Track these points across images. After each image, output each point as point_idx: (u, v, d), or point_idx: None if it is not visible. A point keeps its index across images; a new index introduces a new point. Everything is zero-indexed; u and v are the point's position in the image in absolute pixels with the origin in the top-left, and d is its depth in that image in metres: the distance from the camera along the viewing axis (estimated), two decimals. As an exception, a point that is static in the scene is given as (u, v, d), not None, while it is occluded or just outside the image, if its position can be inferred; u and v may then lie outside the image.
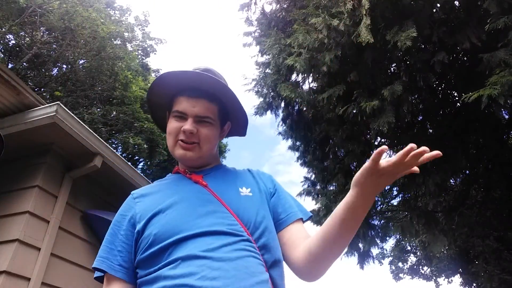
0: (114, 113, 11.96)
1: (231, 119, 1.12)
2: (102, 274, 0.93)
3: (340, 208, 0.83)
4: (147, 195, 1.00)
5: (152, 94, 1.09)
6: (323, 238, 0.86)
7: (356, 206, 0.79)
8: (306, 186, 7.18)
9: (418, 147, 0.72)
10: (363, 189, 0.77)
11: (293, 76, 5.99)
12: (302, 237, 0.96)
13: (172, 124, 1.00)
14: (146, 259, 0.87)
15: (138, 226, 0.91)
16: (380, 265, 13.21)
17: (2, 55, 11.17)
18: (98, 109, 11.67)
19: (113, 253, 0.92)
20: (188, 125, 0.97)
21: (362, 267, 6.70)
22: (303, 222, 1.03)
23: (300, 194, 7.23)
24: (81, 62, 11.74)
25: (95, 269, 0.93)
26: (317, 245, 0.87)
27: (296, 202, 1.09)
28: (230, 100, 1.06)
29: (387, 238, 7.23)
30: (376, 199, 6.77)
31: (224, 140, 21.05)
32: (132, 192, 1.04)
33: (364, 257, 6.71)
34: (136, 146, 11.13)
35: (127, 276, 0.91)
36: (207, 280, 0.76)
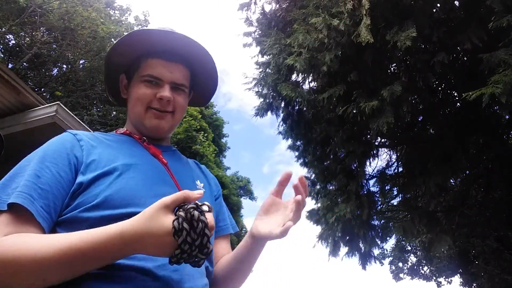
0: (114, 113, 11.97)
1: (196, 86, 1.01)
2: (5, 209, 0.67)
3: (239, 247, 0.88)
4: (93, 143, 0.83)
5: (114, 53, 0.93)
6: (228, 267, 0.90)
7: (250, 250, 0.85)
8: (306, 186, 7.17)
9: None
10: (255, 237, 0.82)
11: (293, 76, 6.00)
12: (226, 252, 0.96)
13: (143, 90, 0.88)
14: (86, 221, 0.70)
15: (82, 177, 0.74)
16: (381, 265, 13.22)
17: (2, 55, 11.18)
18: (97, 110, 11.67)
19: (44, 195, 0.69)
20: (166, 92, 0.87)
21: (364, 268, 6.69)
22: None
23: (300, 194, 7.22)
24: (81, 62, 11.74)
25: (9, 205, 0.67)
26: (225, 270, 0.91)
27: (229, 214, 1.06)
28: (204, 66, 0.96)
29: (388, 238, 7.24)
30: (376, 199, 6.77)
31: (224, 139, 21.04)
32: (71, 132, 0.86)
33: (365, 258, 6.71)
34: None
35: (48, 228, 0.69)
36: (167, 271, 0.69)
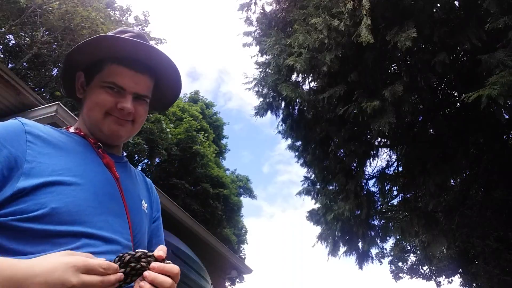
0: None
1: (156, 95, 0.97)
2: None
3: None
4: (44, 141, 0.76)
5: (78, 51, 0.88)
6: None
7: None
8: (306, 185, 7.19)
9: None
10: None
11: (294, 76, 6.00)
12: None
13: (104, 97, 0.84)
14: (23, 232, 0.65)
15: (24, 182, 0.67)
16: (380, 264, 13.23)
17: (2, 55, 11.18)
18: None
19: None
20: (129, 104, 0.84)
21: (361, 267, 6.70)
22: None
23: (299, 193, 7.24)
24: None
25: None
26: None
27: (163, 237, 1.00)
28: (169, 79, 0.95)
29: (387, 238, 7.24)
30: (376, 199, 6.77)
31: (224, 141, 21.05)
32: (20, 120, 0.78)
33: (363, 257, 6.72)
34: (135, 145, 11.13)
35: None
36: None
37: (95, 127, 0.86)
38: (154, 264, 0.64)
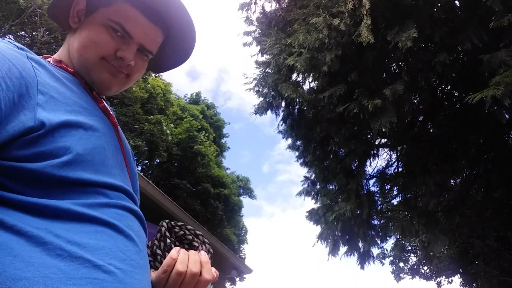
0: (114, 113, 11.97)
1: (158, 55, 0.82)
2: None
3: None
4: (48, 72, 0.62)
5: None
6: None
7: None
8: (306, 185, 7.19)
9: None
10: None
11: (294, 76, 6.00)
12: None
13: (104, 37, 0.70)
14: (55, 180, 0.54)
15: (45, 116, 0.55)
16: (382, 265, 13.22)
17: (2, 55, 11.20)
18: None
19: None
20: (130, 54, 0.72)
21: (362, 267, 6.71)
22: None
23: (300, 194, 7.24)
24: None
25: None
26: None
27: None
28: (181, 42, 0.81)
29: (388, 238, 7.24)
30: (376, 198, 6.78)
31: (223, 140, 21.02)
32: (18, 45, 0.61)
33: (364, 257, 6.72)
34: (135, 147, 11.13)
35: None
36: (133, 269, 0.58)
37: (83, 69, 0.72)
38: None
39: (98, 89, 0.74)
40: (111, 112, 0.74)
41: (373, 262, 6.81)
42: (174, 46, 0.82)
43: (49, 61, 0.71)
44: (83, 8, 0.74)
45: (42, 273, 0.46)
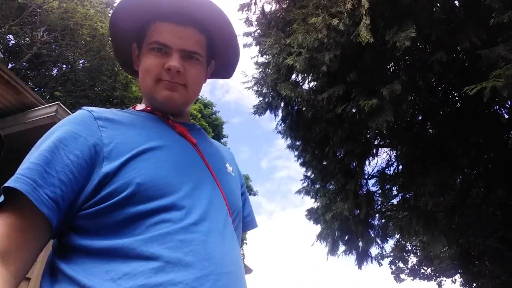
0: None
1: (217, 57, 0.88)
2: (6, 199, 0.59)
3: None
4: (115, 122, 0.71)
5: (118, 18, 0.80)
6: None
7: None
8: (305, 184, 7.19)
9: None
10: None
11: (293, 76, 6.00)
12: None
13: (151, 61, 0.76)
14: (113, 217, 0.61)
15: (108, 166, 0.63)
16: (380, 265, 13.21)
17: (2, 55, 11.19)
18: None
19: (50, 180, 0.59)
20: (174, 61, 0.74)
21: (360, 267, 6.70)
22: None
23: (299, 192, 7.24)
24: (81, 62, 11.75)
25: (8, 191, 0.58)
26: None
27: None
28: (221, 30, 0.82)
29: (388, 238, 7.23)
30: (376, 198, 6.77)
31: (223, 140, 21.00)
32: (87, 108, 0.72)
33: (362, 257, 6.72)
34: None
35: (57, 220, 0.59)
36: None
37: (151, 99, 0.79)
38: None
39: (168, 111, 0.79)
40: (190, 132, 0.79)
41: (371, 262, 6.81)
42: (221, 40, 0.84)
43: (133, 108, 0.83)
44: (137, 51, 0.83)
45: None
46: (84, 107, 0.73)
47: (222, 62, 0.90)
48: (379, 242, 6.85)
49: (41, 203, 0.57)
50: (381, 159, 7.95)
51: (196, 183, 0.69)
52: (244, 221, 0.88)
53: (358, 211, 6.14)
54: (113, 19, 0.81)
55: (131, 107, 0.85)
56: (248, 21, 6.65)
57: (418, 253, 12.89)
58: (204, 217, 0.65)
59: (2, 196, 0.59)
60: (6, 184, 0.57)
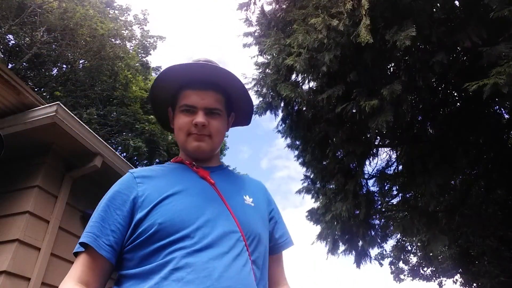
0: (115, 113, 11.95)
1: (235, 109, 1.10)
2: (83, 249, 0.85)
3: None
4: (149, 178, 0.93)
5: (156, 89, 1.06)
6: None
7: None
8: (306, 184, 7.19)
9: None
10: None
11: (293, 76, 5.99)
12: (278, 274, 1.02)
13: (182, 119, 0.98)
14: (143, 250, 0.82)
15: (140, 213, 0.85)
16: (380, 266, 13.19)
17: (2, 55, 11.18)
18: (96, 109, 11.67)
19: (105, 232, 0.84)
20: (200, 118, 0.96)
21: (358, 266, 6.70)
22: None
23: (299, 192, 7.24)
24: (80, 62, 11.74)
25: (81, 244, 0.85)
26: None
27: (287, 228, 1.09)
28: (236, 89, 1.04)
29: (388, 238, 7.23)
30: (376, 198, 6.77)
31: (223, 139, 21.04)
32: (130, 171, 0.97)
33: (361, 256, 6.71)
34: (136, 148, 11.08)
35: (114, 259, 0.85)
36: None
37: (184, 149, 1.02)
38: None
39: (199, 158, 1.01)
40: (212, 174, 0.99)
41: (370, 262, 6.80)
42: (236, 96, 1.06)
43: (172, 160, 1.06)
44: (172, 113, 1.07)
45: None
46: (130, 170, 0.98)
47: (240, 113, 1.13)
48: (379, 242, 6.85)
49: (100, 249, 0.82)
50: (381, 159, 7.93)
51: (211, 216, 0.86)
52: (278, 242, 1.03)
53: (358, 211, 6.14)
54: (153, 91, 1.06)
55: (172, 159, 1.07)
56: (247, 21, 6.65)
57: (418, 253, 12.88)
58: (211, 244, 0.81)
59: (80, 247, 0.85)
60: (80, 240, 0.85)
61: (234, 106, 1.09)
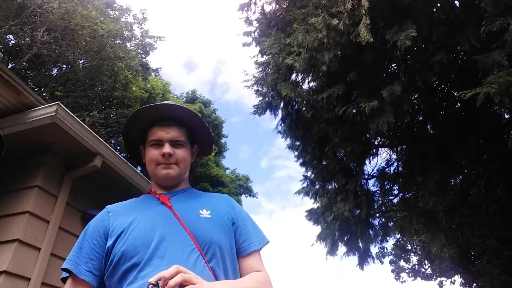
0: (115, 114, 11.96)
1: (198, 141, 1.25)
2: (68, 274, 1.00)
3: None
4: (119, 211, 1.08)
5: (128, 129, 1.21)
6: None
7: None
8: (305, 184, 7.18)
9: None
10: None
11: (293, 76, 5.99)
12: (251, 270, 1.07)
13: (152, 152, 1.13)
14: (115, 275, 0.95)
15: (109, 242, 0.99)
16: (381, 264, 13.19)
17: (2, 55, 11.18)
18: (98, 111, 11.66)
19: (84, 260, 0.99)
20: (166, 149, 1.10)
21: (362, 268, 6.70)
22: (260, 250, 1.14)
23: (298, 192, 7.24)
24: (81, 62, 11.73)
25: (63, 269, 0.99)
26: None
27: (256, 230, 1.15)
28: (196, 124, 1.21)
29: (388, 238, 7.22)
30: (376, 198, 6.77)
31: (223, 140, 21.03)
32: (107, 207, 1.12)
33: (364, 257, 6.71)
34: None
35: (95, 282, 0.99)
36: None
37: (155, 178, 1.16)
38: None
39: (168, 184, 1.15)
40: (173, 197, 1.12)
41: (373, 262, 6.80)
42: (196, 129, 1.22)
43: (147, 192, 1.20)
44: (143, 149, 1.22)
45: None
46: (107, 206, 1.12)
47: (202, 144, 1.28)
48: (379, 241, 6.85)
49: (80, 274, 0.97)
50: (381, 159, 7.93)
51: (164, 235, 0.97)
52: (241, 247, 1.10)
53: (358, 211, 6.14)
54: (125, 131, 1.22)
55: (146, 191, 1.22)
56: (248, 21, 6.65)
57: (418, 252, 12.89)
58: (162, 257, 0.93)
59: (65, 273, 1.00)
60: (62, 266, 0.99)
61: (196, 138, 1.24)
